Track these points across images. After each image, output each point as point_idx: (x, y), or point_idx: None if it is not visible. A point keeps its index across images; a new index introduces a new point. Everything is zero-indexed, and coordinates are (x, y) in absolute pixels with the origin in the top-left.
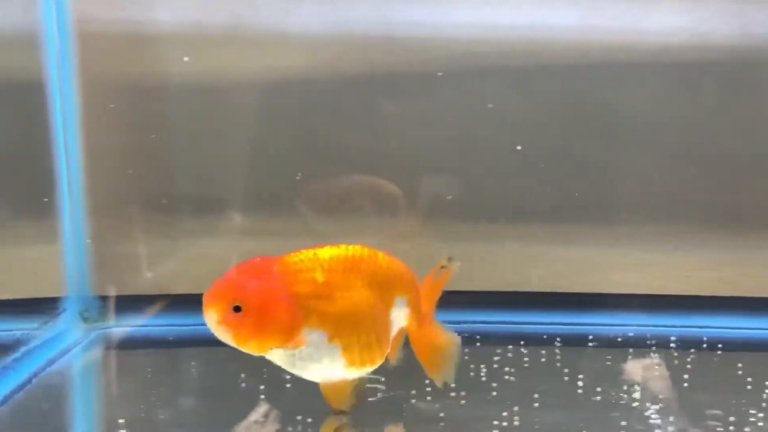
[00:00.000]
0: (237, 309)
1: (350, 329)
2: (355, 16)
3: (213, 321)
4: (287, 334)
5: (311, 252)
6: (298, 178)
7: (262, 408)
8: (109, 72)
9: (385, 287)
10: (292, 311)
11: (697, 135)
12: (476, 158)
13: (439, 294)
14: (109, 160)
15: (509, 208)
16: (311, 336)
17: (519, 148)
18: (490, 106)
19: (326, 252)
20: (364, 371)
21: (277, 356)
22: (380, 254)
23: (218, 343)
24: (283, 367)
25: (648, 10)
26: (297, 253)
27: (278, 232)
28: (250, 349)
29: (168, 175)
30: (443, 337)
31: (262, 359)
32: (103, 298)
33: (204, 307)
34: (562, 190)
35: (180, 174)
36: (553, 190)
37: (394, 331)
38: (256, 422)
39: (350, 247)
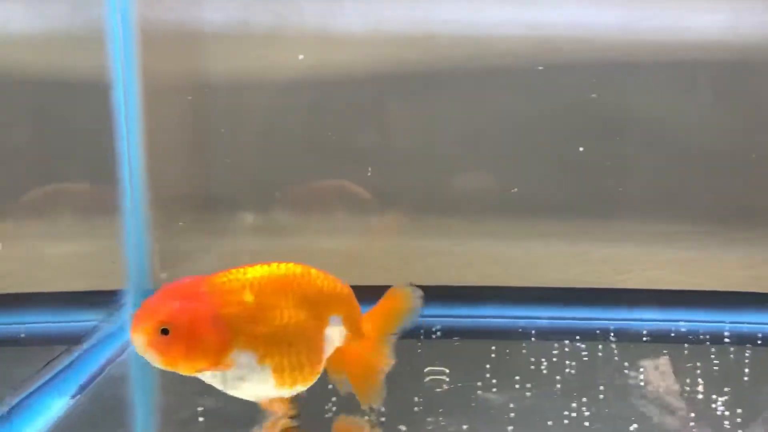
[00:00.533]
0: (164, 332)
1: (280, 350)
2: (395, 15)
3: (140, 344)
4: (215, 357)
5: (241, 271)
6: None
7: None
8: (168, 70)
9: (318, 306)
10: (220, 333)
11: (736, 134)
12: (522, 155)
13: (397, 318)
14: (168, 157)
15: (550, 206)
16: (240, 358)
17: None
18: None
19: (256, 271)
20: (296, 390)
21: (208, 376)
22: (313, 272)
23: None
24: (215, 386)
25: (689, 8)
26: (227, 273)
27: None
28: (180, 371)
29: (222, 171)
30: (377, 359)
31: None
32: None
33: (131, 331)
34: (601, 188)
35: (233, 170)
36: (592, 187)
37: (330, 350)
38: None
39: (282, 265)
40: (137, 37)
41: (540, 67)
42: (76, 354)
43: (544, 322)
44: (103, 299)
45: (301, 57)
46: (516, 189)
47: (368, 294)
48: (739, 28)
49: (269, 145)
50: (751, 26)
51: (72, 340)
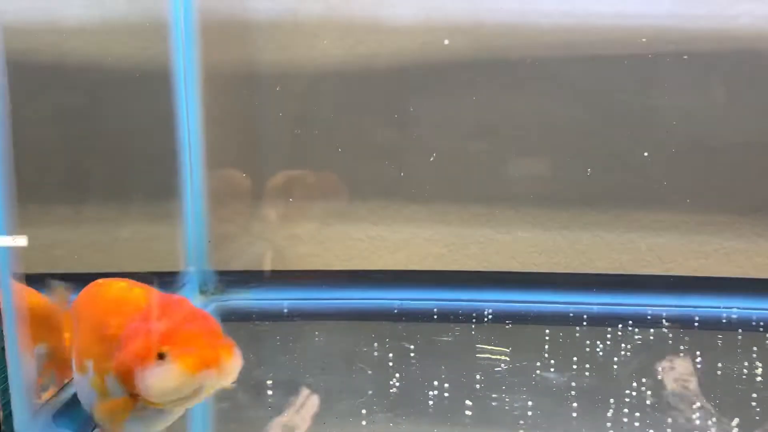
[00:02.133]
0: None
1: None
2: (444, 4)
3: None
4: None
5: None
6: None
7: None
8: (226, 60)
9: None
10: None
11: None
12: (568, 146)
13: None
14: (226, 146)
15: (602, 196)
16: None
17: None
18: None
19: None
20: None
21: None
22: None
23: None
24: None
25: None
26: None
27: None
28: None
29: (272, 161)
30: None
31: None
32: (220, 273)
33: (234, 360)
34: (648, 180)
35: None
36: (639, 179)
37: None
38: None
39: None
40: (198, 28)
41: (589, 59)
42: None
43: (595, 308)
44: (168, 279)
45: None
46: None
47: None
48: None
49: (318, 133)
50: None
51: None
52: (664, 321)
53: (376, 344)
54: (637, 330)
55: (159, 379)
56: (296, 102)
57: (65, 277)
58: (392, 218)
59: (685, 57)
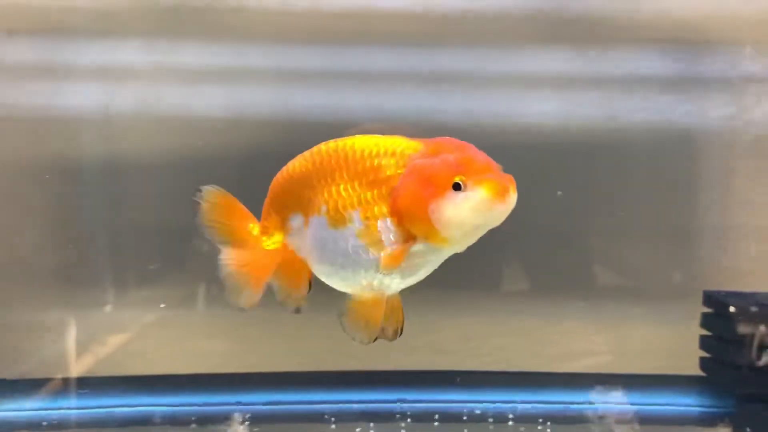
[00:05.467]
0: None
1: None
2: (255, 98)
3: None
4: None
5: None
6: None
7: None
8: (21, 154)
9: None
10: None
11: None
12: None
13: None
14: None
15: None
16: None
17: None
18: None
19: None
20: None
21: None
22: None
23: None
24: None
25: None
26: None
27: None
28: None
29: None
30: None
31: None
32: None
33: (512, 192)
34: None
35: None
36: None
37: None
38: None
39: None
40: None
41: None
42: None
43: None
44: None
45: None
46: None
47: None
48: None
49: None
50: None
51: None
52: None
53: None
54: None
55: (458, 208)
56: (104, 195)
57: None
58: None
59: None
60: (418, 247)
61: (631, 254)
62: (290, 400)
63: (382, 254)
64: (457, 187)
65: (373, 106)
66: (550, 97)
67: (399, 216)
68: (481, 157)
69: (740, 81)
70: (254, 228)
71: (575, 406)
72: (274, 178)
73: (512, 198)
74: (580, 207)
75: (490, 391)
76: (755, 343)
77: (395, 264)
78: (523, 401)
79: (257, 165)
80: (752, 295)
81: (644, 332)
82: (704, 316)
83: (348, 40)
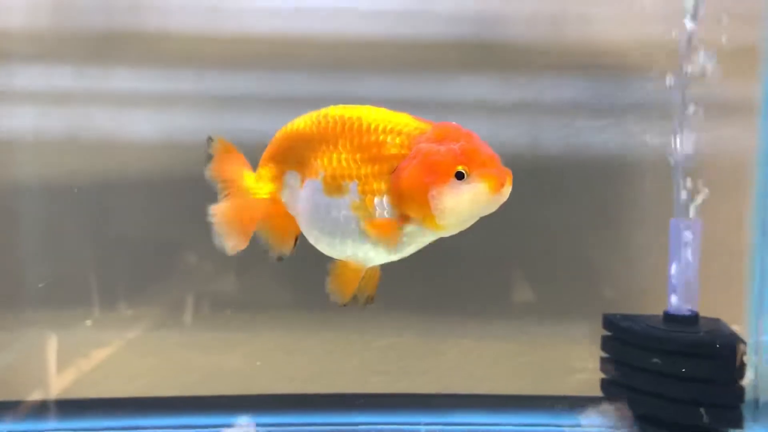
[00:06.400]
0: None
1: None
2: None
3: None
4: None
5: None
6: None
7: None
8: None
9: None
10: None
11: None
12: None
13: None
14: None
15: None
16: None
17: None
18: None
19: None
20: None
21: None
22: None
23: None
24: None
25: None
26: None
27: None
28: None
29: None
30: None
31: None
32: None
33: (507, 184)
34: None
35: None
36: None
37: None
38: None
39: None
40: None
41: None
42: None
43: None
44: None
45: None
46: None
47: None
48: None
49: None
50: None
51: None
52: None
53: None
54: None
55: (458, 197)
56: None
57: None
58: None
59: None
60: (410, 228)
61: (549, 276)
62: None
63: (375, 226)
64: (459, 176)
65: None
66: (477, 123)
67: (397, 196)
68: (485, 148)
69: (659, 108)
70: (249, 176)
71: (480, 427)
72: (278, 131)
73: (508, 191)
74: (502, 230)
75: (423, 412)
76: (651, 366)
77: (381, 235)
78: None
79: (187, 187)
80: (647, 318)
81: (560, 353)
82: (603, 338)
83: (274, 66)
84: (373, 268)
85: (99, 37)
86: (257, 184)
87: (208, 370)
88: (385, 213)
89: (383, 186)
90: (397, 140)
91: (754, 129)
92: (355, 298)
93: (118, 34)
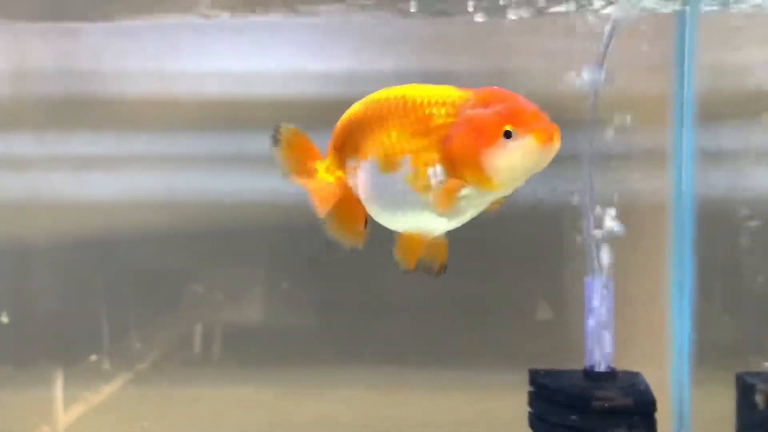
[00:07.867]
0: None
1: None
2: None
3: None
4: None
5: None
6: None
7: None
8: None
9: None
10: None
11: None
12: None
13: None
14: None
15: None
16: None
17: None
18: None
19: None
20: None
21: None
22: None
23: None
24: None
25: None
26: None
27: None
28: None
29: None
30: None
31: None
32: None
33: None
34: None
35: None
36: None
37: None
38: None
39: None
40: None
41: None
42: None
43: None
44: None
45: None
46: None
47: None
48: None
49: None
50: None
51: None
52: None
53: None
54: None
55: (509, 156)
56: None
57: None
58: None
59: None
60: (466, 191)
61: (480, 325)
62: None
63: (434, 193)
64: (507, 135)
65: (251, 187)
66: None
67: (450, 164)
68: (530, 106)
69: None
70: (320, 165)
71: None
72: (339, 121)
73: (557, 144)
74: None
75: None
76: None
77: (448, 201)
78: None
79: (144, 245)
80: (570, 373)
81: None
82: (529, 394)
83: (225, 127)
84: (438, 238)
85: (57, 103)
86: (328, 171)
87: None
88: (440, 181)
89: (435, 155)
90: (443, 111)
91: (666, 177)
92: (428, 266)
93: (76, 100)
